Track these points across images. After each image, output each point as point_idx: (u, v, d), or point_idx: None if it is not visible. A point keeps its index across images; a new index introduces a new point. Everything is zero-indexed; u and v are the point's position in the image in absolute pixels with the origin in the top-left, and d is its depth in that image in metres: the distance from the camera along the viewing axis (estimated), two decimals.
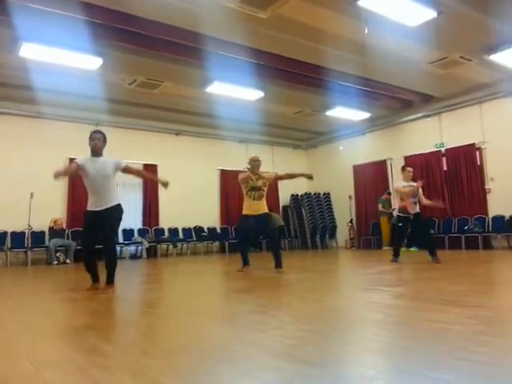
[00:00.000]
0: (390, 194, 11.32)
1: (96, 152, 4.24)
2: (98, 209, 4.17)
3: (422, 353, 1.80)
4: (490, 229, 9.56)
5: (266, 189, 5.76)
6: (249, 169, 5.90)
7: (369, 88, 9.34)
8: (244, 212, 5.71)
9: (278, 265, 5.52)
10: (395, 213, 6.86)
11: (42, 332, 2.51)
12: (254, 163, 5.88)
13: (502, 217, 9.46)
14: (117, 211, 4.26)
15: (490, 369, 1.59)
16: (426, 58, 7.98)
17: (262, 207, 5.67)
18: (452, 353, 1.77)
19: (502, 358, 1.73)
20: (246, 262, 5.86)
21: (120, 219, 4.33)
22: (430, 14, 6.08)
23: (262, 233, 5.71)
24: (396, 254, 6.60)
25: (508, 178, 9.32)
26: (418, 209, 6.50)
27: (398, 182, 6.79)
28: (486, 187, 9.87)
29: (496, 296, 3.52)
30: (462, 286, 3.87)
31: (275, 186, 12.96)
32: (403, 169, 6.81)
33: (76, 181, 10.02)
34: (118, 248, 4.72)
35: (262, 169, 5.97)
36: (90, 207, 4.21)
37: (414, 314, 2.77)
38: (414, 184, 6.50)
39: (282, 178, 6.29)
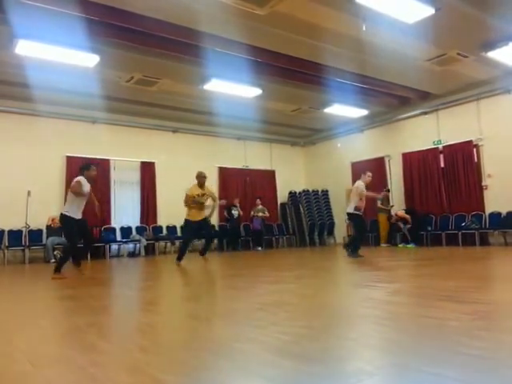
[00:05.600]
0: (388, 190, 11.34)
1: None
2: None
3: (420, 348, 1.80)
4: (487, 225, 9.59)
5: (207, 199, 7.06)
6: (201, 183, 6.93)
7: (366, 85, 9.34)
8: (190, 218, 6.91)
9: (204, 252, 7.32)
10: (350, 210, 7.03)
11: (40, 330, 2.52)
12: (203, 179, 6.94)
13: (499, 213, 9.49)
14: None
15: (487, 363, 1.59)
16: (424, 55, 7.98)
17: (204, 214, 6.98)
18: (450, 348, 1.78)
19: (499, 352, 1.74)
20: (179, 258, 6.99)
21: (63, 227, 5.72)
22: (428, 10, 6.08)
23: (203, 230, 7.20)
24: (355, 250, 6.94)
25: (505, 175, 9.35)
26: None
27: (361, 183, 7.22)
28: (483, 184, 9.89)
29: (493, 291, 3.54)
30: (459, 282, 3.89)
31: (273, 183, 13.02)
32: (364, 173, 7.28)
33: (73, 179, 10.01)
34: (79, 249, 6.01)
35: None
36: None
37: (411, 309, 2.79)
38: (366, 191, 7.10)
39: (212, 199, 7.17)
